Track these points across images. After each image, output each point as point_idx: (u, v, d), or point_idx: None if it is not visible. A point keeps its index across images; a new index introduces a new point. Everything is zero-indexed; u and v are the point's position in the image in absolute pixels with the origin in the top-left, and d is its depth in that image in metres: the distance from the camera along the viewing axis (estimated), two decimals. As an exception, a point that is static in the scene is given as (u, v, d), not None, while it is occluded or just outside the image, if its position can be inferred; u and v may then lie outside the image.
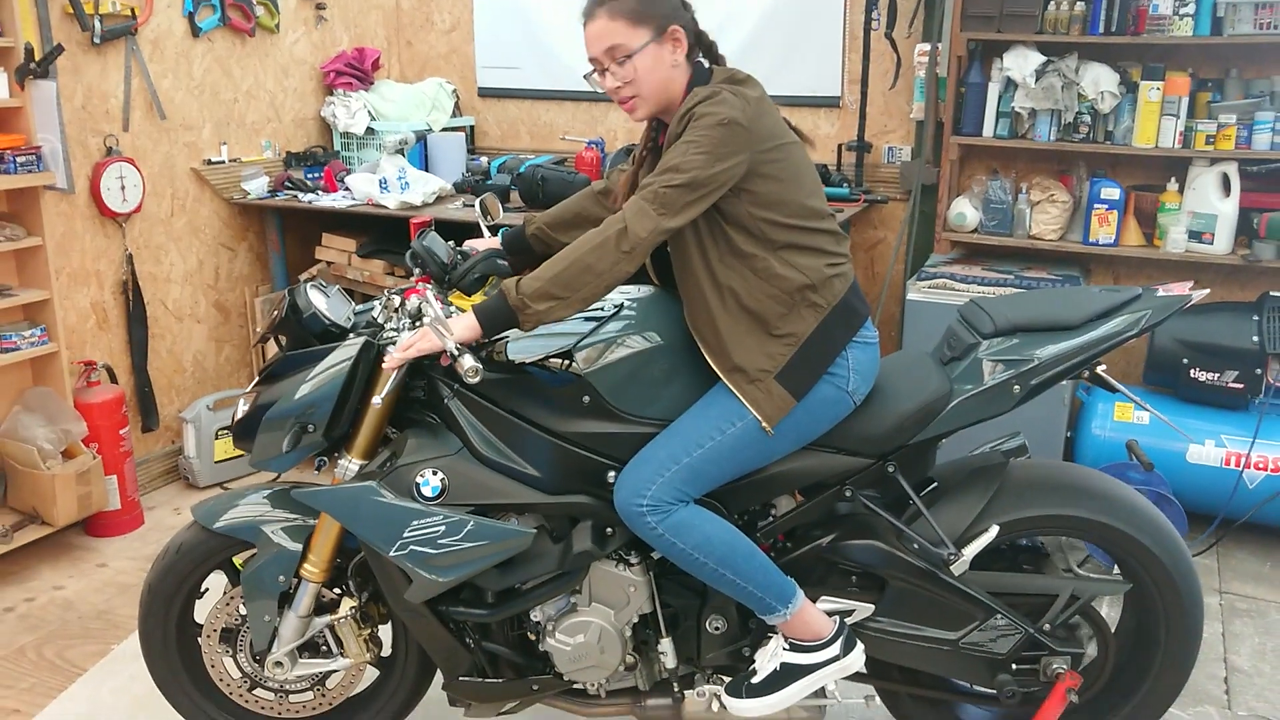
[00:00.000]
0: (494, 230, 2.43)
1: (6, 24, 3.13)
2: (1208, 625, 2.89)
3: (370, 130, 4.38)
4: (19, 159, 3.14)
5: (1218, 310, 3.42)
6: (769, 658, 2.04)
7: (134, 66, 3.66)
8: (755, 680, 2.03)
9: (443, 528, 1.94)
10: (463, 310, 2.03)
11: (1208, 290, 2.11)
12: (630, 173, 2.19)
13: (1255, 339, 3.31)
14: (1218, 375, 3.36)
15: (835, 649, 2.01)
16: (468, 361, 1.76)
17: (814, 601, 2.05)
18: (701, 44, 1.97)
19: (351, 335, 2.04)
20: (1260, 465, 3.27)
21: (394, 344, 1.97)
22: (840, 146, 4.10)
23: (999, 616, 2.05)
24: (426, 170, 4.29)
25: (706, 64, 1.98)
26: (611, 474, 1.97)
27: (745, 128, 1.82)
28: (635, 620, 2.10)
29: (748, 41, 4.17)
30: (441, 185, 4.02)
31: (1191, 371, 3.39)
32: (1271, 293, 3.42)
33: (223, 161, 4.05)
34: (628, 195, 2.23)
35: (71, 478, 3.30)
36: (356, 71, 4.48)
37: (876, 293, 4.10)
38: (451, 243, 2.25)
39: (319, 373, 1.97)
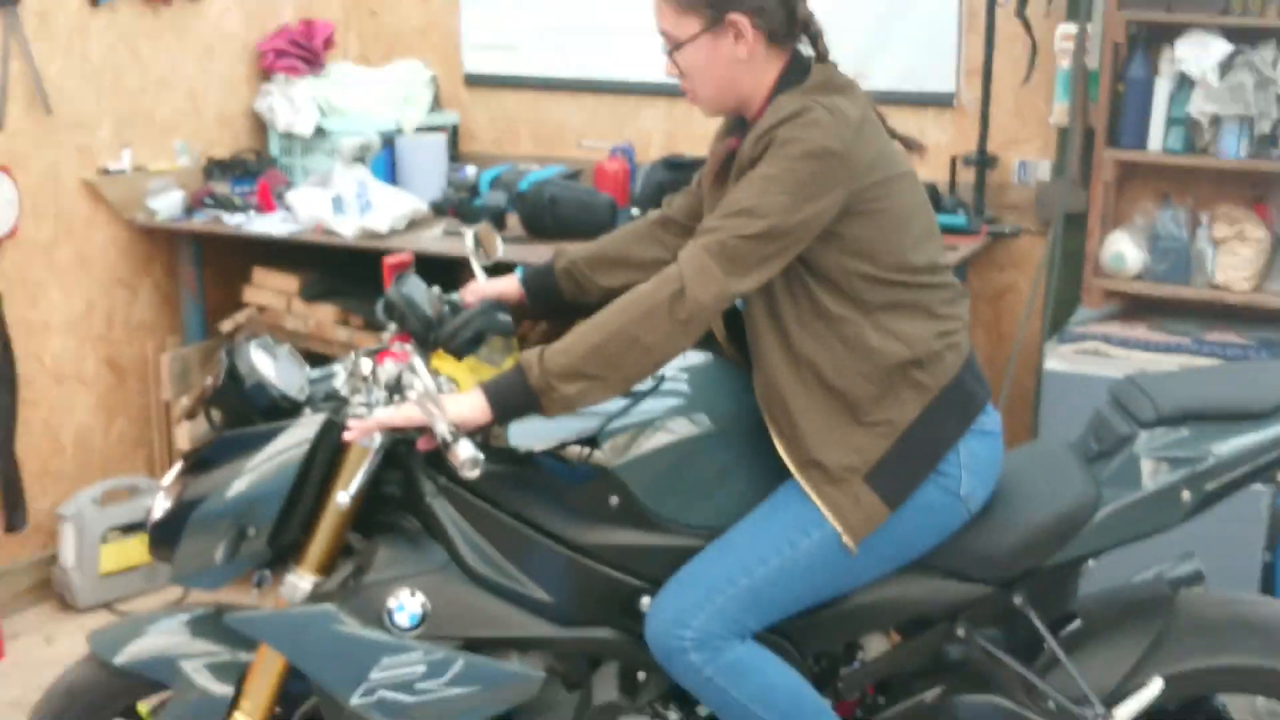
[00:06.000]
0: (490, 271, 2.56)
1: None
2: None
3: (320, 131, 4.52)
4: None
5: None
6: None
7: (13, 46, 3.85)
8: None
9: (422, 668, 2.05)
10: (452, 380, 2.17)
11: None
12: (693, 194, 2.32)
13: None
14: None
15: None
16: (465, 450, 1.87)
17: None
18: (800, 27, 2.11)
19: (307, 411, 2.17)
20: None
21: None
22: (954, 160, 4.22)
23: (1164, 800, 2.14)
24: (395, 185, 4.44)
25: (807, 55, 2.11)
26: (645, 599, 2.08)
27: (842, 157, 1.93)
28: (675, 796, 2.20)
29: (830, 17, 4.31)
30: (415, 206, 4.16)
31: None
32: None
33: (124, 171, 4.21)
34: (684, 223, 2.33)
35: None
36: (303, 52, 4.64)
37: (1004, 359, 4.19)
38: (436, 289, 2.39)
39: (265, 460, 2.09)
